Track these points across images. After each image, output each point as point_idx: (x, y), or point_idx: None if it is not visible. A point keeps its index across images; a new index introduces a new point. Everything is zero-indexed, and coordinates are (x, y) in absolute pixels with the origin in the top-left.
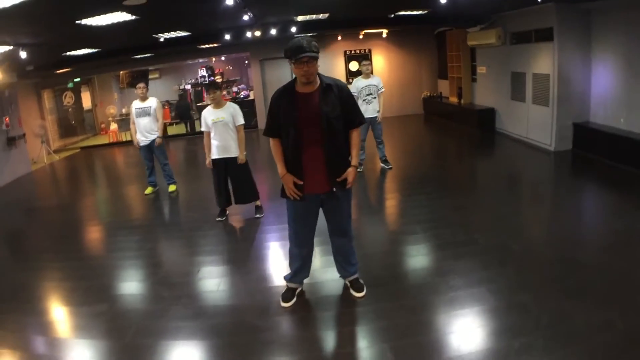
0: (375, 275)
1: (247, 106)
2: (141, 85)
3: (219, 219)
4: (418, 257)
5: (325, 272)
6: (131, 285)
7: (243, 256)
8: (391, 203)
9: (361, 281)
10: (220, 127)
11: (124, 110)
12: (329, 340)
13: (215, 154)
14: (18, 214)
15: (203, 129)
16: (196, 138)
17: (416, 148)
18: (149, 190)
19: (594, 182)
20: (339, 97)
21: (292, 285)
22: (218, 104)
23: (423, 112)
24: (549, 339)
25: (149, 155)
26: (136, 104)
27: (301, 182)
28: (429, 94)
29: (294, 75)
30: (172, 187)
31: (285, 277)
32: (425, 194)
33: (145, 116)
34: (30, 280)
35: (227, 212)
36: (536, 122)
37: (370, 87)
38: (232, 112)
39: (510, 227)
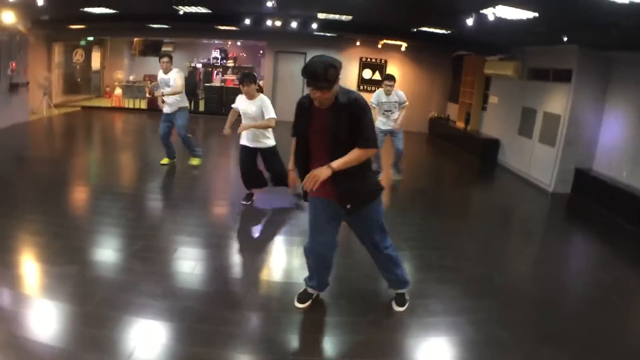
0: (354, 287)
1: None
2: (165, 59)
3: (244, 202)
4: None
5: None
6: (105, 252)
7: (226, 242)
8: None
9: (407, 297)
10: (249, 119)
11: (131, 78)
12: (294, 345)
13: (244, 140)
14: (7, 160)
15: (233, 105)
16: (199, 117)
17: (416, 166)
18: (165, 160)
19: (586, 230)
20: (352, 115)
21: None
22: (251, 97)
23: (428, 132)
24: None
25: (165, 125)
26: (160, 75)
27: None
28: (436, 115)
29: None
30: (193, 160)
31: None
32: (418, 212)
33: (165, 87)
34: (4, 229)
35: (253, 197)
36: (539, 160)
37: (390, 104)
38: (260, 105)
39: (498, 260)
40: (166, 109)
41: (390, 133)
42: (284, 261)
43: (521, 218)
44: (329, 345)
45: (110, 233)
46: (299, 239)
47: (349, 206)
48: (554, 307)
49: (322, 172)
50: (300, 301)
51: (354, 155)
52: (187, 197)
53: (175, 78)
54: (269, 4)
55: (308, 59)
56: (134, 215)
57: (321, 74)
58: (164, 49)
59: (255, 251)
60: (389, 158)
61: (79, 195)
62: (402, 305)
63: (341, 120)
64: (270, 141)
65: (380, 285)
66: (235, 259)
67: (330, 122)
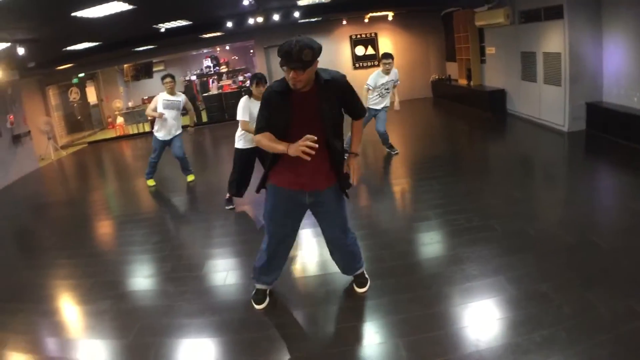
0: (388, 266)
1: None
2: (168, 80)
3: (230, 207)
4: (432, 245)
5: (333, 263)
6: (135, 280)
7: (251, 248)
8: (402, 188)
9: (366, 275)
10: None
11: (130, 104)
12: (340, 336)
13: (248, 144)
14: (25, 211)
15: (243, 117)
16: (203, 129)
17: (426, 132)
18: (151, 182)
19: (608, 163)
20: (339, 91)
21: (261, 286)
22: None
23: (432, 96)
24: (571, 331)
25: (162, 151)
26: (164, 96)
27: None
28: (437, 77)
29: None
30: (190, 177)
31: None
32: (437, 178)
33: (173, 109)
34: (34, 279)
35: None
36: (548, 102)
37: (388, 83)
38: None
39: (526, 211)
40: (165, 135)
41: (375, 113)
42: (312, 254)
43: (541, 163)
44: (374, 329)
45: (138, 261)
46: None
47: (341, 186)
48: (592, 247)
49: (358, 163)
50: (258, 302)
51: (358, 131)
52: (208, 210)
53: (186, 103)
54: (246, 2)
55: None
56: (157, 238)
57: (295, 54)
58: (155, 69)
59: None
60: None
61: (101, 230)
62: (364, 286)
63: (331, 101)
64: None
65: (412, 261)
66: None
67: (321, 101)
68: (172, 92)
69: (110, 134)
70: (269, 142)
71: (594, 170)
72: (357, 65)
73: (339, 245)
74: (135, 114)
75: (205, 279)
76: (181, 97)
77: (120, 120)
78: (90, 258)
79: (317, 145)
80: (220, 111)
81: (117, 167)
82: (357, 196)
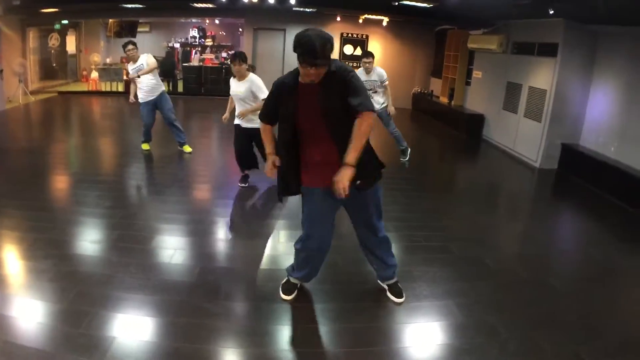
0: (340, 272)
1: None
2: (129, 47)
3: (242, 184)
4: None
5: (289, 261)
6: (80, 244)
7: (203, 229)
8: None
9: (399, 284)
10: (239, 101)
11: (108, 60)
12: (280, 336)
13: (238, 120)
14: None
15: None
16: (178, 98)
17: None
18: (146, 145)
19: (574, 206)
20: (341, 83)
21: (294, 280)
22: (241, 77)
23: (411, 108)
24: None
25: (152, 113)
26: (130, 65)
27: (278, 164)
28: (420, 90)
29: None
30: (187, 148)
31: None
32: (403, 190)
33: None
34: None
35: (249, 178)
36: (525, 136)
37: (370, 83)
38: (249, 86)
39: (486, 240)
40: (145, 96)
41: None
42: (266, 247)
43: (508, 195)
44: (313, 335)
45: (87, 223)
46: (283, 222)
47: (358, 182)
48: (546, 287)
49: (346, 175)
50: (286, 292)
51: (360, 132)
52: (168, 183)
53: (147, 61)
54: None
55: (288, 35)
56: (110, 203)
57: (320, 50)
58: (140, 29)
59: (236, 237)
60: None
61: (57, 185)
62: (401, 296)
63: (333, 93)
64: None
65: (365, 269)
66: (215, 246)
67: (321, 94)
68: (134, 60)
69: (82, 87)
70: (265, 135)
71: (559, 209)
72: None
73: (366, 246)
74: (111, 71)
75: (151, 254)
76: (142, 59)
77: (95, 75)
78: (39, 212)
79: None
80: (198, 84)
81: (83, 122)
82: None
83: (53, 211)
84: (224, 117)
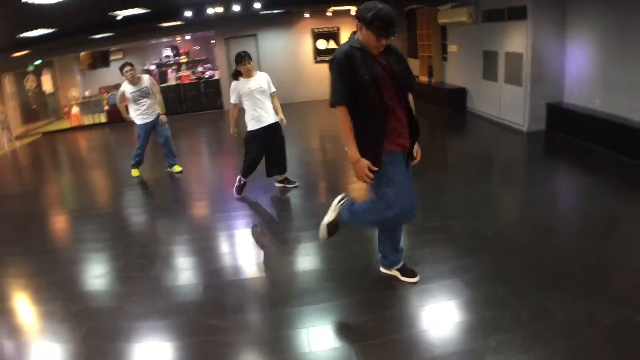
0: (341, 267)
1: (211, 86)
2: (127, 68)
3: (239, 195)
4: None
5: (290, 264)
6: (86, 281)
7: (200, 247)
8: (359, 184)
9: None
10: (258, 95)
11: (87, 93)
12: (293, 340)
13: (257, 124)
14: None
15: (233, 100)
16: None
17: None
18: (136, 171)
19: (567, 164)
20: (399, 57)
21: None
22: (249, 75)
23: None
24: (528, 337)
25: (149, 135)
26: (128, 88)
27: (376, 169)
28: None
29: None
30: (177, 168)
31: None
32: None
33: (144, 98)
34: None
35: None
36: (508, 102)
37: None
38: (266, 79)
39: (485, 212)
40: (145, 118)
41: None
42: (268, 256)
43: (501, 163)
44: (330, 333)
45: (90, 259)
46: (282, 231)
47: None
48: (549, 250)
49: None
50: (330, 232)
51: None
52: (163, 206)
53: (152, 85)
54: None
55: (260, 40)
56: (109, 235)
57: (396, 21)
58: (113, 57)
59: (236, 250)
60: None
61: (54, 226)
62: (415, 274)
63: (397, 63)
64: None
65: (367, 262)
66: (217, 262)
67: (391, 62)
68: (134, 81)
69: (66, 124)
70: (345, 130)
71: (552, 170)
72: (318, 59)
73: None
74: (91, 104)
75: (154, 280)
76: (145, 81)
77: (75, 110)
78: (40, 255)
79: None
80: (178, 103)
81: (71, 159)
82: (314, 192)
83: (54, 252)
84: (233, 132)
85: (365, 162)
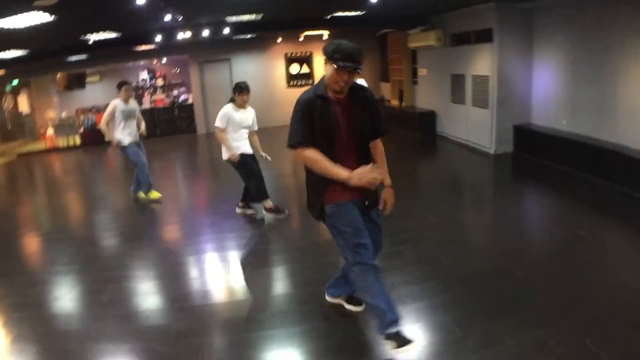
0: (290, 293)
1: (185, 110)
2: (127, 87)
3: (279, 215)
4: (335, 271)
5: (253, 289)
6: (40, 304)
7: (182, 270)
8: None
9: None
10: (244, 128)
11: (63, 115)
12: None
13: (246, 149)
14: None
15: (221, 125)
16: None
17: None
18: (156, 194)
19: (533, 186)
20: (369, 102)
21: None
22: (243, 106)
23: None
24: None
25: (141, 152)
26: (121, 105)
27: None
28: None
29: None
30: (155, 194)
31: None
32: None
33: (132, 118)
34: None
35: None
36: (476, 124)
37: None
38: (253, 116)
39: (442, 237)
40: (132, 139)
41: None
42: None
43: (466, 186)
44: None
45: (48, 282)
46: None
47: (367, 202)
48: (505, 276)
49: (392, 196)
50: (405, 343)
51: (383, 153)
52: (140, 228)
53: (138, 109)
54: (168, 19)
55: (233, 64)
56: (70, 258)
57: (357, 55)
58: (90, 79)
59: (194, 276)
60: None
61: (18, 247)
62: (360, 303)
63: (364, 109)
64: None
65: (311, 290)
66: (192, 285)
67: (353, 110)
68: (128, 100)
69: (41, 145)
70: (325, 165)
71: (517, 192)
72: (291, 83)
73: None
74: (66, 126)
75: (105, 304)
76: (136, 105)
77: (50, 131)
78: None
79: (381, 177)
80: (151, 127)
81: (45, 182)
82: (286, 218)
83: (11, 275)
84: (234, 156)
85: (358, 170)
